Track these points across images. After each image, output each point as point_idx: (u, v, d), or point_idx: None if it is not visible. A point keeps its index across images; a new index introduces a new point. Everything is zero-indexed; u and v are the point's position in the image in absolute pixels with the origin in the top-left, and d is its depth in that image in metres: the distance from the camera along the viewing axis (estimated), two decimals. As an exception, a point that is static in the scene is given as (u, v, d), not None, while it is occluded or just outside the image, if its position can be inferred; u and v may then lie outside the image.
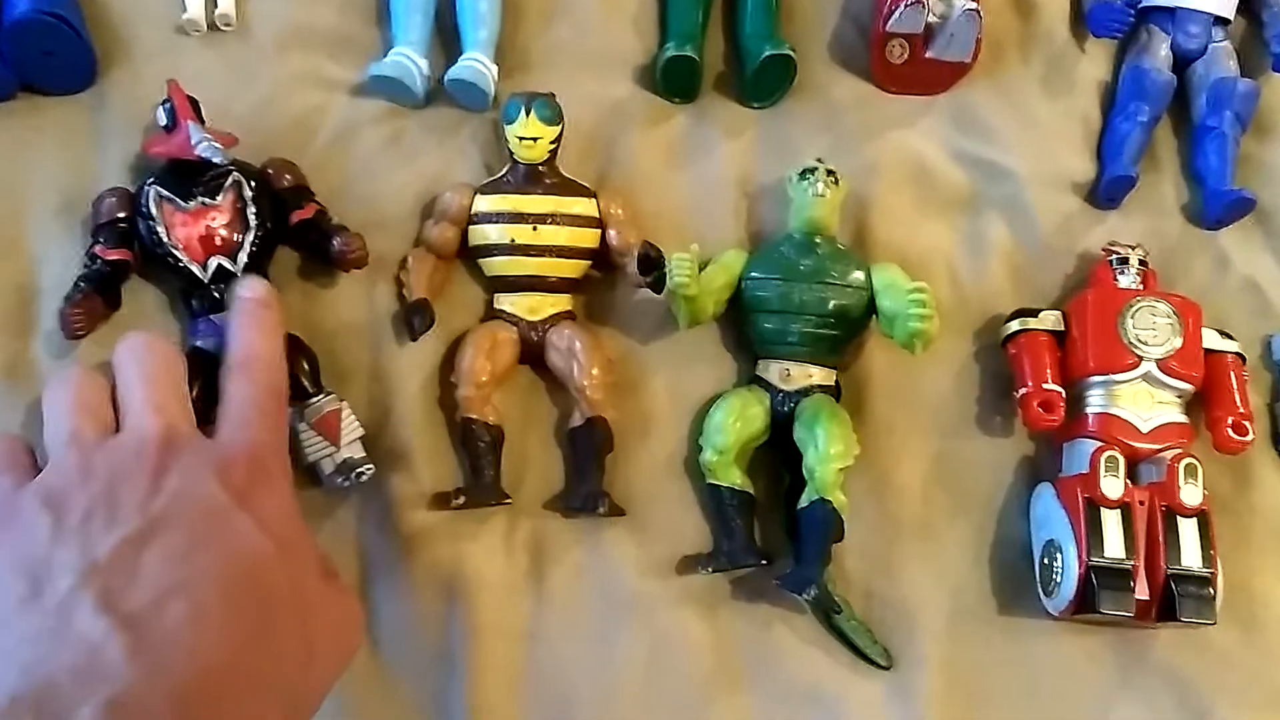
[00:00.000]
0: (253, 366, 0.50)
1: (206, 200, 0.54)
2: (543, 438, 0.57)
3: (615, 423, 0.56)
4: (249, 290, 0.52)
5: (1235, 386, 0.56)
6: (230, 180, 0.55)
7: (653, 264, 0.55)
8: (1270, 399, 0.60)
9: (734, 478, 0.55)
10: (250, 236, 0.54)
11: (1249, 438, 0.55)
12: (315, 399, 0.54)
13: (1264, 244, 0.63)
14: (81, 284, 0.54)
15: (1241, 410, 0.56)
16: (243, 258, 0.54)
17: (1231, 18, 0.64)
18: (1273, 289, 0.61)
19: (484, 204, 0.56)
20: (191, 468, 0.43)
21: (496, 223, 0.56)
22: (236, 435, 0.47)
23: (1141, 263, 0.58)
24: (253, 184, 0.55)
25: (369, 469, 0.54)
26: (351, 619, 0.47)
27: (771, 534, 0.56)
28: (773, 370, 0.56)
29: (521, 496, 0.56)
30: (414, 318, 0.56)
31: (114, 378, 0.48)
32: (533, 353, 0.57)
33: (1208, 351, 0.57)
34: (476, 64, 0.58)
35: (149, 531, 0.41)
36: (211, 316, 0.54)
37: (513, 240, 0.56)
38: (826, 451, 0.53)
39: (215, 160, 0.54)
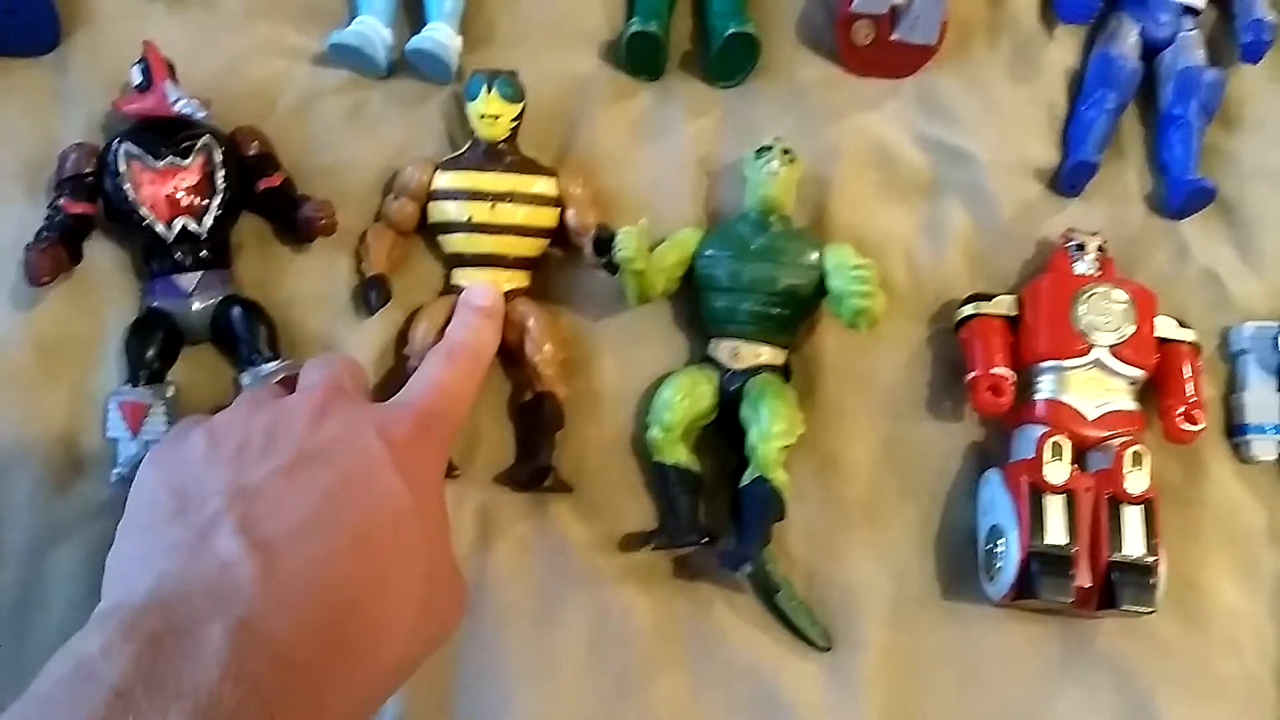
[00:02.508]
0: (458, 354, 0.51)
1: (177, 160, 0.54)
2: (494, 412, 0.57)
3: (566, 399, 0.56)
4: (478, 299, 0.54)
5: (1189, 376, 0.56)
6: (201, 143, 0.55)
7: (607, 246, 0.55)
8: (1226, 391, 0.60)
9: (680, 456, 0.55)
10: (217, 200, 0.55)
11: (1200, 427, 0.55)
12: (271, 363, 0.54)
13: (1226, 235, 0.62)
14: (44, 234, 0.54)
15: (1193, 399, 0.56)
16: (208, 220, 0.55)
17: (1201, 7, 0.63)
18: (1233, 280, 0.61)
19: (444, 180, 0.57)
20: (352, 419, 0.45)
21: (455, 199, 0.56)
22: (410, 399, 0.48)
23: (1100, 250, 0.58)
24: (222, 149, 0.55)
25: (321, 436, 0.54)
26: (460, 600, 0.47)
27: (719, 513, 0.56)
28: (722, 349, 0.56)
29: (472, 469, 0.56)
30: (371, 292, 0.56)
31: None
32: (489, 328, 0.57)
33: (1162, 340, 0.57)
34: (438, 35, 0.58)
35: (298, 466, 0.42)
36: (171, 277, 0.55)
37: (470, 218, 0.56)
38: (768, 430, 0.53)
39: (196, 116, 0.54)
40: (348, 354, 0.54)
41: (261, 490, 0.41)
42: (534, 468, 0.55)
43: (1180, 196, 0.61)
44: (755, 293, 0.55)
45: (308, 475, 0.42)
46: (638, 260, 0.53)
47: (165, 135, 0.55)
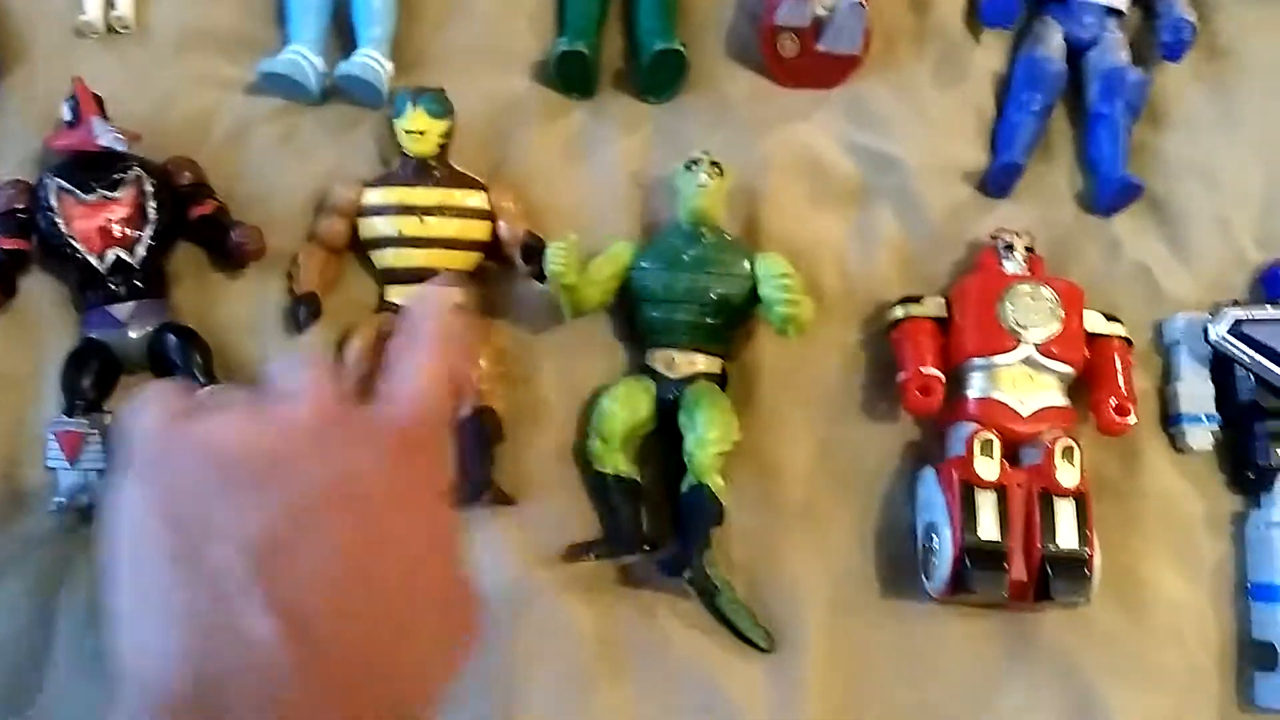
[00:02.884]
0: (441, 340, 0.45)
1: (106, 194, 0.55)
2: (434, 429, 0.58)
3: (506, 412, 0.57)
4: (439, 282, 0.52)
5: (1119, 369, 0.57)
6: (131, 175, 0.56)
7: (535, 253, 0.56)
8: (1161, 383, 0.61)
9: (620, 465, 0.56)
10: (149, 230, 0.56)
11: (1131, 419, 0.56)
12: (206, 389, 0.55)
13: (1156, 231, 0.63)
14: None
15: (1124, 392, 0.56)
16: (141, 251, 0.55)
17: (1124, 9, 0.65)
18: (1164, 275, 0.62)
19: (373, 197, 0.57)
20: (353, 438, 0.39)
21: (385, 215, 0.57)
22: (406, 407, 0.42)
23: (1028, 249, 0.58)
24: (154, 180, 0.56)
25: (260, 461, 0.55)
26: (476, 627, 0.43)
27: (662, 521, 0.56)
28: (659, 359, 0.57)
29: (413, 486, 0.56)
30: (300, 309, 0.56)
31: None
32: (424, 345, 0.57)
33: (1092, 335, 0.57)
34: (369, 60, 0.59)
35: (312, 504, 0.37)
36: (106, 307, 0.55)
37: (400, 232, 0.57)
38: (704, 436, 0.53)
39: (118, 149, 0.55)
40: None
41: (275, 538, 0.36)
42: (474, 482, 0.55)
43: (1109, 193, 0.62)
44: (689, 303, 0.56)
45: (321, 515, 0.37)
46: (568, 274, 0.54)
47: (95, 169, 0.55)
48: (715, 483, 0.54)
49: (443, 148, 0.58)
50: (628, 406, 0.56)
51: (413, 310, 0.46)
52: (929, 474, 0.56)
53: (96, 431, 0.53)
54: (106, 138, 0.54)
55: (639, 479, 0.56)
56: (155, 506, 0.37)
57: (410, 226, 0.56)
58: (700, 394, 0.55)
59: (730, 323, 0.57)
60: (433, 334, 0.45)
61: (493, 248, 0.59)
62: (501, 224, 0.58)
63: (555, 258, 0.54)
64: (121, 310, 0.55)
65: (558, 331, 0.59)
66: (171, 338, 0.55)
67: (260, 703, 0.33)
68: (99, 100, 0.56)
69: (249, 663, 0.34)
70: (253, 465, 0.37)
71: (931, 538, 0.54)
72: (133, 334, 0.55)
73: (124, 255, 0.55)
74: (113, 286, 0.55)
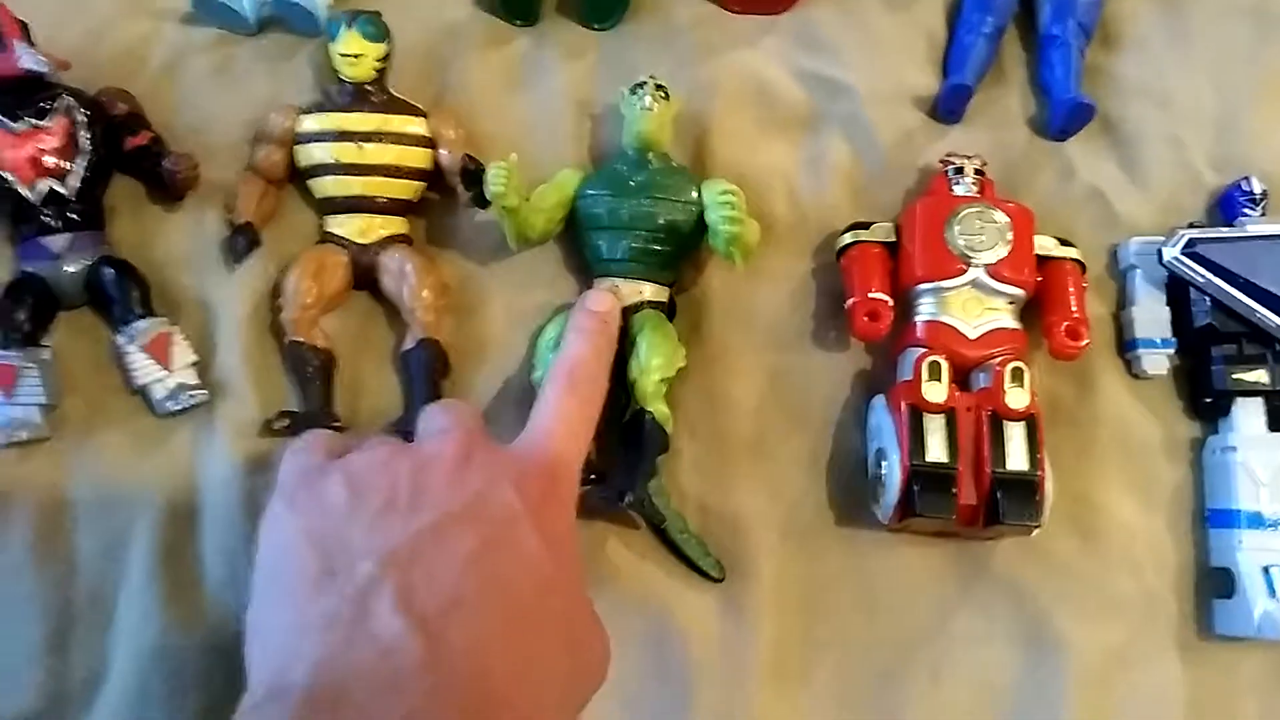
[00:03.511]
0: (576, 376, 0.49)
1: (35, 122, 0.54)
2: (379, 363, 0.57)
3: (454, 346, 0.56)
4: (594, 304, 0.53)
5: (1072, 292, 0.56)
6: (60, 104, 0.55)
7: (475, 178, 0.55)
8: (1116, 308, 0.60)
9: None
10: (82, 162, 0.55)
11: (1084, 342, 0.55)
12: (144, 320, 0.54)
13: (1110, 153, 0.62)
14: None
15: (1076, 315, 0.55)
16: (74, 182, 0.54)
17: (1077, -72, 0.63)
18: (1118, 198, 0.61)
19: (310, 123, 0.56)
20: (492, 470, 0.42)
21: (321, 141, 0.56)
22: (539, 443, 0.46)
23: (978, 172, 0.57)
24: (85, 110, 0.55)
25: (202, 394, 0.54)
26: (605, 656, 0.44)
27: (610, 453, 0.55)
28: (605, 287, 0.56)
29: (358, 422, 0.56)
30: (237, 240, 0.55)
31: None
32: (366, 277, 0.56)
33: (1044, 258, 0.56)
34: (306, -14, 0.58)
35: (445, 526, 0.40)
36: (40, 239, 0.54)
37: (337, 159, 0.55)
38: (647, 363, 0.53)
39: (42, 71, 0.54)
40: (460, 400, 0.53)
41: (413, 555, 0.39)
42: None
43: (1061, 116, 0.61)
44: (635, 230, 0.55)
45: (455, 538, 0.40)
46: (509, 195, 0.53)
47: (22, 98, 0.54)
48: (659, 410, 0.53)
49: (380, 73, 0.56)
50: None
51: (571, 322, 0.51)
52: (878, 401, 0.55)
53: (34, 365, 0.53)
54: (29, 61, 0.53)
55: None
56: (303, 530, 0.41)
57: (347, 153, 0.55)
58: (644, 321, 0.54)
59: (678, 251, 0.56)
60: (567, 367, 0.50)
61: (436, 177, 0.57)
62: (443, 151, 0.57)
63: (495, 178, 0.53)
64: (56, 243, 0.54)
65: (505, 264, 0.58)
66: (108, 271, 0.55)
67: (394, 711, 0.35)
68: (24, 26, 0.55)
69: (380, 663, 0.36)
70: (392, 495, 0.41)
71: (881, 464, 0.53)
72: (68, 267, 0.54)
73: (56, 186, 0.54)
74: (46, 219, 0.54)
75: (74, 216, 0.55)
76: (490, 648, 0.38)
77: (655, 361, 0.53)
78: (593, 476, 0.53)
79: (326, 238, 0.56)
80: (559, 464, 0.45)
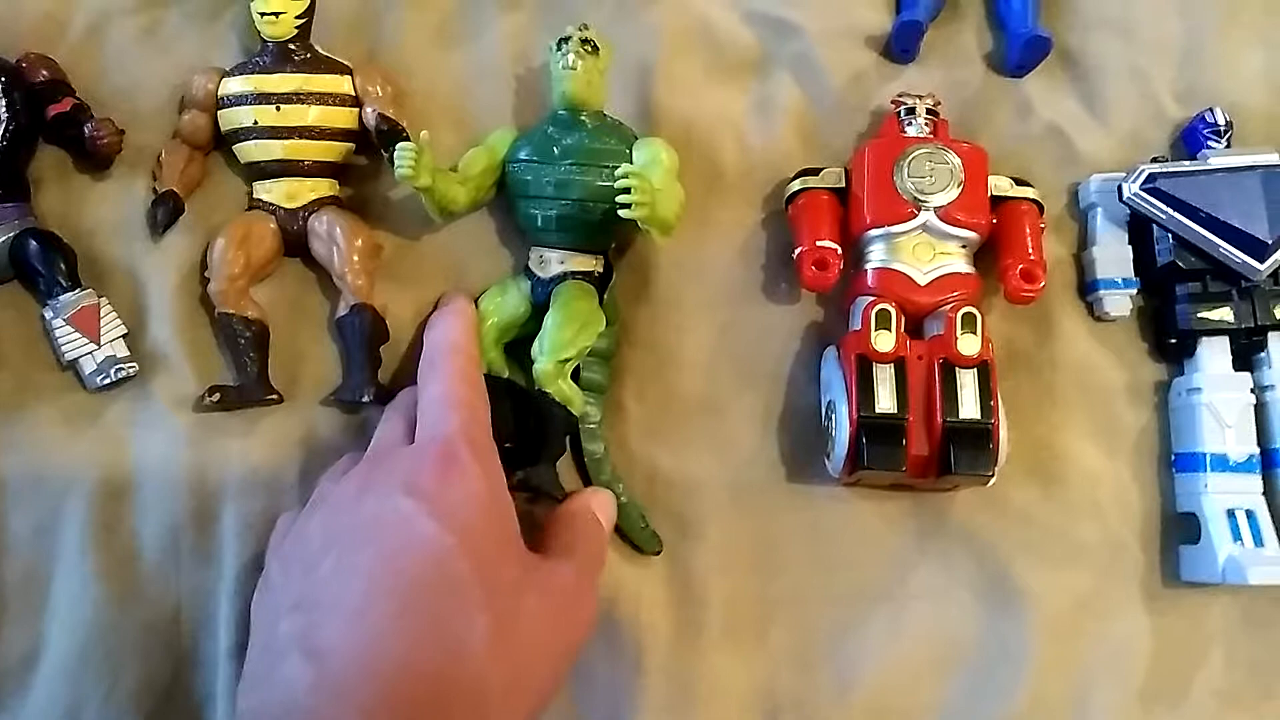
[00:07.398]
0: (443, 358, 0.50)
1: None
2: (317, 332, 0.56)
3: (393, 315, 0.54)
4: (446, 299, 0.54)
5: (1028, 233, 0.54)
6: None
7: (392, 137, 0.53)
8: (1077, 249, 0.58)
9: (493, 364, 0.53)
10: (1, 130, 0.53)
11: (1039, 285, 0.53)
12: (71, 293, 0.53)
13: (1069, 89, 0.60)
14: None
15: (1032, 257, 0.53)
16: None
17: None
18: (1078, 135, 0.58)
19: (232, 86, 0.54)
20: (384, 485, 0.44)
21: (243, 104, 0.54)
22: (427, 432, 0.46)
23: (930, 112, 0.55)
24: (3, 78, 0.53)
25: (132, 368, 0.53)
26: (568, 606, 0.45)
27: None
28: (534, 257, 0.54)
29: (299, 393, 0.54)
30: (159, 209, 0.54)
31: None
32: (297, 243, 0.55)
33: (999, 200, 0.54)
34: (227, -55, 0.56)
35: (343, 557, 0.42)
36: (-34, 208, 0.53)
37: (257, 122, 0.54)
38: (546, 344, 0.51)
39: None
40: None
41: (317, 596, 0.41)
42: (356, 383, 0.53)
43: (1018, 50, 0.58)
44: (561, 199, 0.52)
45: (351, 562, 0.42)
46: (419, 176, 0.50)
47: (-62, 69, 0.52)
48: (560, 391, 0.51)
49: (301, 29, 0.54)
50: (498, 309, 0.54)
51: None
52: (830, 352, 0.53)
53: None
54: None
55: (513, 379, 0.54)
56: (255, 605, 0.46)
57: (266, 116, 0.53)
58: (558, 296, 0.52)
59: (610, 219, 0.51)
60: (432, 352, 0.51)
61: (365, 137, 0.55)
62: (367, 109, 0.54)
63: (402, 160, 0.50)
64: (-11, 211, 0.53)
65: (444, 232, 0.56)
66: (33, 243, 0.53)
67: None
68: (-66, -6, 0.53)
69: (282, 700, 0.39)
70: (306, 553, 0.44)
71: (830, 417, 0.52)
72: (-10, 241, 0.53)
73: None
74: (-30, 186, 0.53)
75: (-6, 187, 0.53)
76: (378, 635, 0.39)
77: (558, 339, 0.50)
78: (507, 445, 0.51)
79: (255, 204, 0.55)
80: (451, 442, 0.45)
